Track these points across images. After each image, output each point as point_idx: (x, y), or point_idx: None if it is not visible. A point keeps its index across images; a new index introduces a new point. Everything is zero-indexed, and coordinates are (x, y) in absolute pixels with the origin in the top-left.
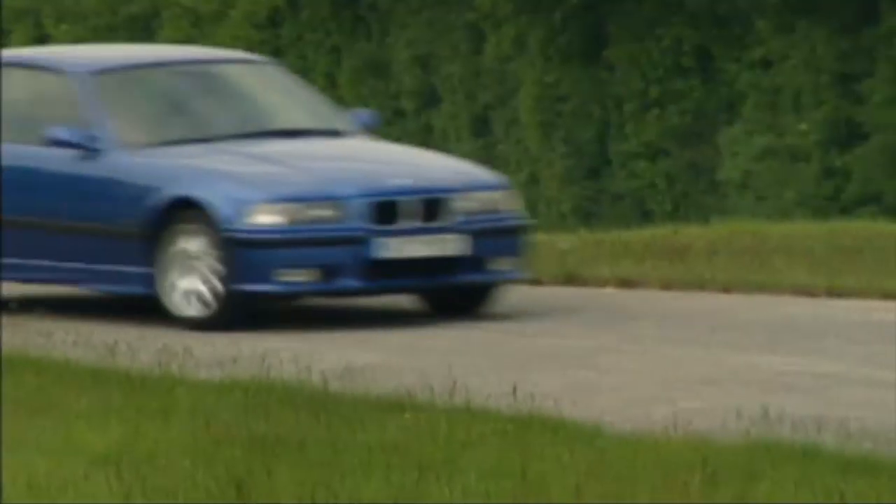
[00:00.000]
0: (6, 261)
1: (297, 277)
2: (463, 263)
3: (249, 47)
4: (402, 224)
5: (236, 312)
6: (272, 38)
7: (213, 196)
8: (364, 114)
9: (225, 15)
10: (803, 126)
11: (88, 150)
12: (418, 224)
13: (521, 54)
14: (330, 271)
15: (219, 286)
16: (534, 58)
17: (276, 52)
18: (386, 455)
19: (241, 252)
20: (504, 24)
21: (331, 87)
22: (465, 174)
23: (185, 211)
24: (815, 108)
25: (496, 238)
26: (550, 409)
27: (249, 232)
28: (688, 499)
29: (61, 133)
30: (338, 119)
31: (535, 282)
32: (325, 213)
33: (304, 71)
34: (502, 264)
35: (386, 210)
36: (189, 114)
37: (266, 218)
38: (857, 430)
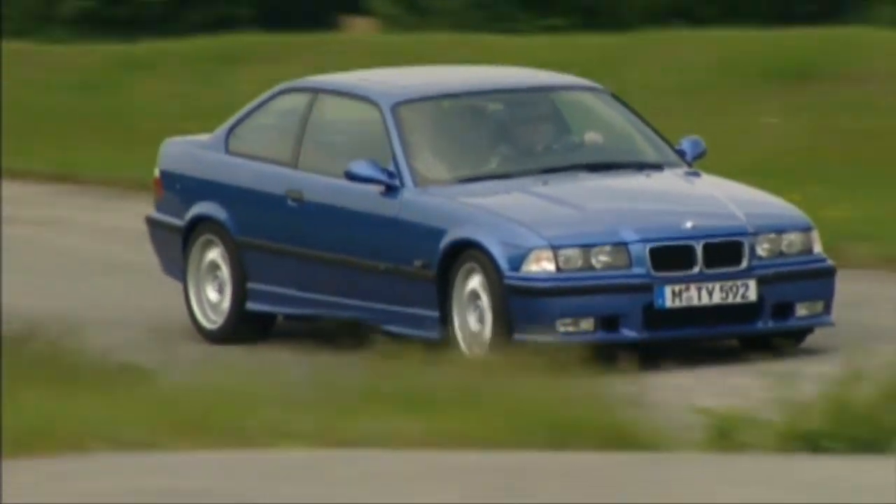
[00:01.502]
0: (300, 294)
1: (575, 328)
2: (762, 310)
3: None
4: (689, 270)
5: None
6: None
7: (491, 240)
8: (689, 141)
9: None
10: None
11: (388, 186)
12: (707, 270)
13: None
14: (609, 321)
15: (495, 332)
16: None
17: None
18: None
19: (517, 300)
20: None
21: None
22: (771, 213)
23: (468, 254)
24: None
25: (800, 282)
26: None
27: (526, 280)
28: None
29: (360, 168)
30: (658, 150)
31: None
32: (604, 259)
33: None
34: (808, 310)
35: (671, 255)
36: (491, 147)
37: (543, 265)
38: None
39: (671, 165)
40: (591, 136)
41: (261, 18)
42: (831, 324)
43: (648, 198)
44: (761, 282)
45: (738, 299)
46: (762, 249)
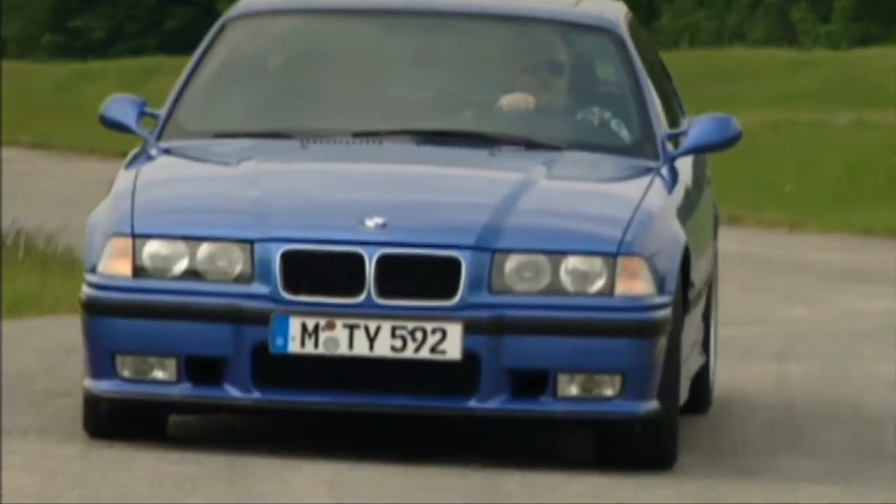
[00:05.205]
0: None
1: (141, 374)
2: (479, 379)
3: None
4: (352, 296)
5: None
6: None
7: (96, 223)
8: (703, 122)
9: None
10: None
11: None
12: (379, 298)
13: None
14: (204, 368)
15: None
16: None
17: None
18: None
19: (84, 319)
20: None
21: None
22: (562, 227)
23: None
24: None
25: (571, 340)
26: None
27: (92, 287)
28: None
29: (111, 109)
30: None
31: None
32: (213, 264)
33: None
34: (584, 388)
35: (320, 268)
36: (314, 92)
37: (118, 265)
38: None
39: (609, 152)
40: (513, 99)
41: None
42: (633, 414)
43: (393, 186)
44: (474, 329)
45: (427, 354)
46: (520, 280)
